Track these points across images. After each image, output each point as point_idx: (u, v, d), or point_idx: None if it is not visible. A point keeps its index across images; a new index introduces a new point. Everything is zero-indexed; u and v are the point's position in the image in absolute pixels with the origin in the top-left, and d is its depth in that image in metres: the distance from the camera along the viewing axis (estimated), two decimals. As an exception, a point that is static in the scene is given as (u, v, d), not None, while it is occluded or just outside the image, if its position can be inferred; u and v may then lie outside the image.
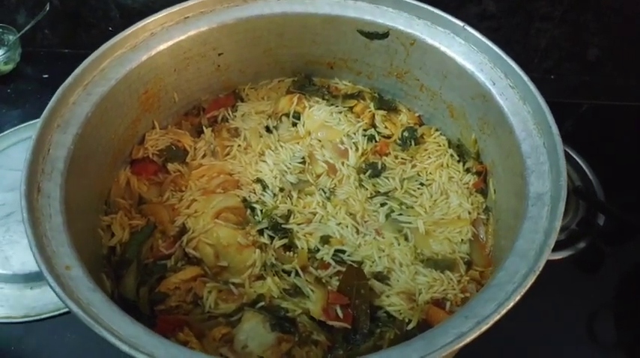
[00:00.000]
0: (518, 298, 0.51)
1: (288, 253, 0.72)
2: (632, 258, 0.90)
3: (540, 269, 0.53)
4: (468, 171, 0.80)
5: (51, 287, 0.50)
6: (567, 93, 1.16)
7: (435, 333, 0.51)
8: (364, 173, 0.80)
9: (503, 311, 0.50)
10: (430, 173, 0.80)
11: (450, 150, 0.83)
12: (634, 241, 0.90)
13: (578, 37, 1.14)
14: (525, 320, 0.77)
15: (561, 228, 0.89)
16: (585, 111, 1.04)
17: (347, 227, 0.74)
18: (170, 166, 0.79)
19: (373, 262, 0.71)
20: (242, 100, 0.89)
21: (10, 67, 1.14)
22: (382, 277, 0.70)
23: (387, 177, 0.80)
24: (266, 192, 0.77)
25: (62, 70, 0.68)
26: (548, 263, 0.54)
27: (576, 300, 0.85)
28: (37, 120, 0.98)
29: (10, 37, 1.13)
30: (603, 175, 0.97)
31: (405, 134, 0.84)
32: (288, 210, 0.76)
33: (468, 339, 0.49)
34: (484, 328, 0.49)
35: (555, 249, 0.88)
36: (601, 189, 0.95)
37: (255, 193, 0.77)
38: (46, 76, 1.14)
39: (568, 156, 0.98)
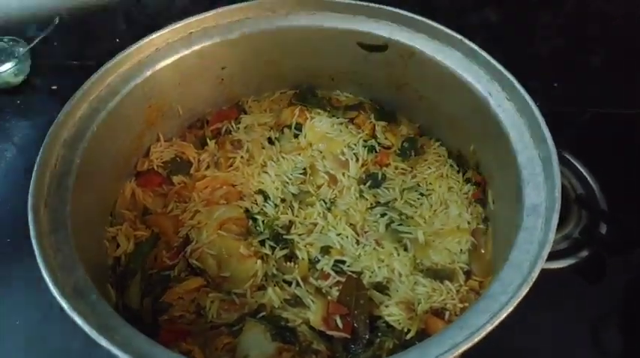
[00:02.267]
0: (511, 309, 0.52)
1: (289, 263, 0.73)
2: (635, 266, 0.90)
3: (534, 280, 0.54)
4: (467, 181, 0.81)
5: (58, 299, 0.52)
6: (570, 102, 1.16)
7: (430, 343, 0.52)
8: (364, 183, 0.81)
9: (497, 322, 0.51)
10: (430, 183, 0.81)
11: (450, 161, 0.84)
12: (637, 250, 0.89)
13: (581, 46, 1.14)
14: (528, 329, 0.77)
15: (563, 236, 0.90)
16: (588, 119, 1.03)
17: (347, 237, 0.75)
18: (175, 178, 0.80)
19: (373, 272, 0.72)
20: (245, 112, 0.90)
21: (20, 78, 1.16)
22: (382, 287, 0.71)
23: (387, 188, 0.81)
24: (267, 203, 0.78)
25: (71, 82, 0.70)
26: (551, 271, 0.55)
27: (579, 309, 0.85)
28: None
29: (21, 50, 1.15)
30: (606, 183, 0.97)
31: (405, 145, 0.85)
32: (290, 221, 0.77)
33: (462, 349, 0.50)
34: (476, 338, 0.50)
35: (558, 258, 0.89)
36: (603, 198, 0.94)
37: (257, 204, 0.78)
38: (54, 87, 1.16)
39: (570, 164, 0.98)
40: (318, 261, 0.73)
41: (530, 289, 0.54)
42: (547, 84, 1.21)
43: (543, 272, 0.55)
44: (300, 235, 0.75)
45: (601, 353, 0.82)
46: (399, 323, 0.67)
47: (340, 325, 0.65)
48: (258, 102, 0.92)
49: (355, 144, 0.84)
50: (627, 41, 1.11)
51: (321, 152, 0.84)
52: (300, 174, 0.82)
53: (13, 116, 1.11)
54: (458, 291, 0.71)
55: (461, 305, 0.69)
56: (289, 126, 0.86)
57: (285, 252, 0.74)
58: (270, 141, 0.86)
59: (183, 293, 0.69)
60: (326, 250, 0.74)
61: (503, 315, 0.51)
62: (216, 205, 0.78)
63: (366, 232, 0.76)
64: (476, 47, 0.74)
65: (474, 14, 1.09)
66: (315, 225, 0.76)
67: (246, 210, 0.78)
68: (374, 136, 0.86)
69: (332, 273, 0.71)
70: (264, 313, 0.68)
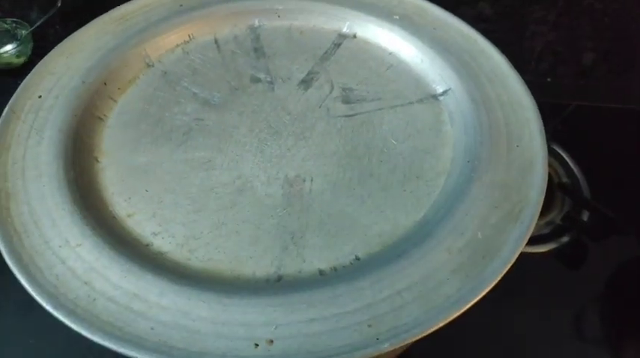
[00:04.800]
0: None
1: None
2: (615, 253, 0.92)
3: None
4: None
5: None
6: (562, 96, 1.18)
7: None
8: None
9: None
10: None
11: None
12: (617, 237, 0.92)
13: (573, 41, 1.16)
14: (508, 312, 0.79)
15: (546, 222, 0.93)
16: (574, 110, 1.06)
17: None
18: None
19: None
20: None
21: (21, 60, 1.18)
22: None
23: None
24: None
25: (71, 64, 0.72)
26: (533, 255, 0.55)
27: (560, 293, 0.87)
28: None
29: (23, 32, 1.18)
30: (590, 173, 0.99)
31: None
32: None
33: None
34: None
35: (540, 242, 0.92)
36: (587, 186, 0.97)
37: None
38: (55, 69, 1.18)
39: (556, 154, 1.00)
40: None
41: (512, 272, 0.55)
42: (540, 79, 1.23)
43: (526, 255, 0.56)
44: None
45: (581, 338, 0.84)
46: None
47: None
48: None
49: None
50: (619, 37, 1.13)
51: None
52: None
53: (14, 96, 1.13)
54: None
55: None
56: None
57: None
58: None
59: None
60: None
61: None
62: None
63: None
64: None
65: (468, 8, 1.11)
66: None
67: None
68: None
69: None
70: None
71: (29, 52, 1.21)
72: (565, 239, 0.90)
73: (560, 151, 1.00)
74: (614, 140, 1.08)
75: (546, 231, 0.91)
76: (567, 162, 1.00)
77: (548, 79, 1.23)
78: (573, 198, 0.95)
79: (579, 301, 0.86)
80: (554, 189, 0.93)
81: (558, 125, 1.02)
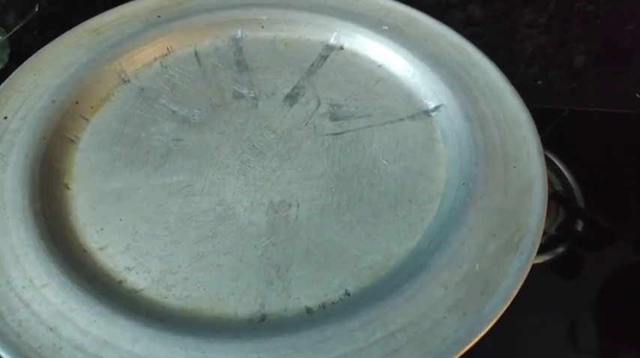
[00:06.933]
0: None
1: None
2: (611, 263, 0.90)
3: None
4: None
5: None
6: (554, 100, 1.16)
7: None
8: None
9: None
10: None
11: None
12: (612, 247, 0.90)
13: (564, 44, 1.14)
14: (503, 325, 0.77)
15: (540, 232, 0.90)
16: (567, 116, 1.04)
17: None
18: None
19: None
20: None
21: (-2, 67, 1.13)
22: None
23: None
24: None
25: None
26: None
27: (555, 304, 0.85)
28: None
29: (-1, 38, 1.13)
30: (584, 181, 0.97)
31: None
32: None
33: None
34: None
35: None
36: (581, 195, 0.95)
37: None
38: (32, 77, 1.14)
39: (549, 162, 0.98)
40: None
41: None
42: (531, 82, 1.21)
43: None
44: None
45: (576, 348, 0.82)
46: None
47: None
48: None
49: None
50: (610, 40, 1.11)
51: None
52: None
53: (-12, 105, 1.09)
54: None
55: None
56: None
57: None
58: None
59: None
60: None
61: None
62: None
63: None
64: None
65: (457, 11, 1.08)
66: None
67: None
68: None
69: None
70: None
71: (6, 59, 1.16)
72: (560, 249, 0.88)
73: (553, 159, 0.98)
74: (608, 146, 1.06)
75: (541, 241, 0.88)
76: (561, 170, 0.97)
77: (539, 83, 1.20)
78: (567, 207, 0.92)
79: (574, 312, 0.84)
80: (548, 199, 0.91)
81: (551, 131, 0.99)
